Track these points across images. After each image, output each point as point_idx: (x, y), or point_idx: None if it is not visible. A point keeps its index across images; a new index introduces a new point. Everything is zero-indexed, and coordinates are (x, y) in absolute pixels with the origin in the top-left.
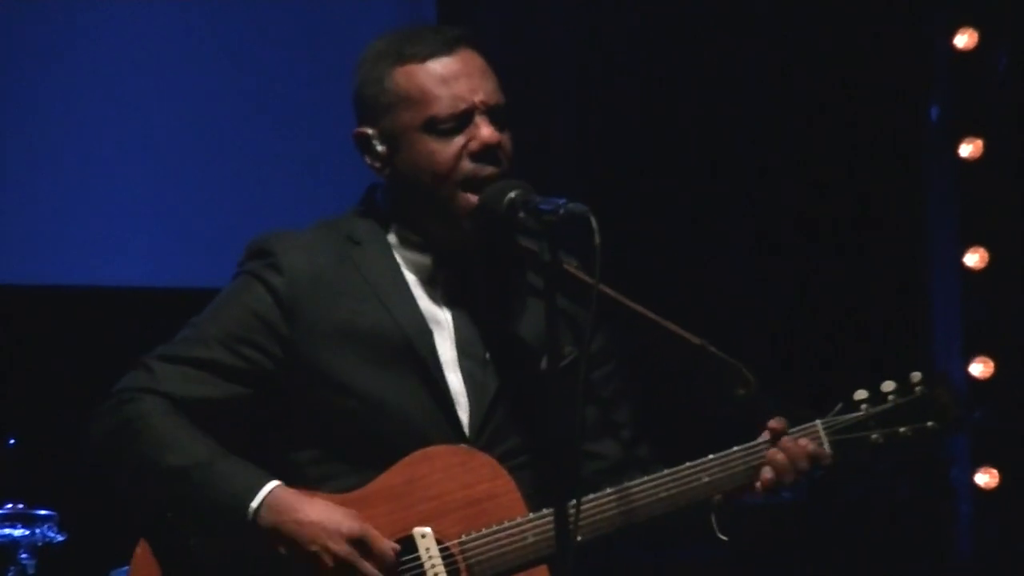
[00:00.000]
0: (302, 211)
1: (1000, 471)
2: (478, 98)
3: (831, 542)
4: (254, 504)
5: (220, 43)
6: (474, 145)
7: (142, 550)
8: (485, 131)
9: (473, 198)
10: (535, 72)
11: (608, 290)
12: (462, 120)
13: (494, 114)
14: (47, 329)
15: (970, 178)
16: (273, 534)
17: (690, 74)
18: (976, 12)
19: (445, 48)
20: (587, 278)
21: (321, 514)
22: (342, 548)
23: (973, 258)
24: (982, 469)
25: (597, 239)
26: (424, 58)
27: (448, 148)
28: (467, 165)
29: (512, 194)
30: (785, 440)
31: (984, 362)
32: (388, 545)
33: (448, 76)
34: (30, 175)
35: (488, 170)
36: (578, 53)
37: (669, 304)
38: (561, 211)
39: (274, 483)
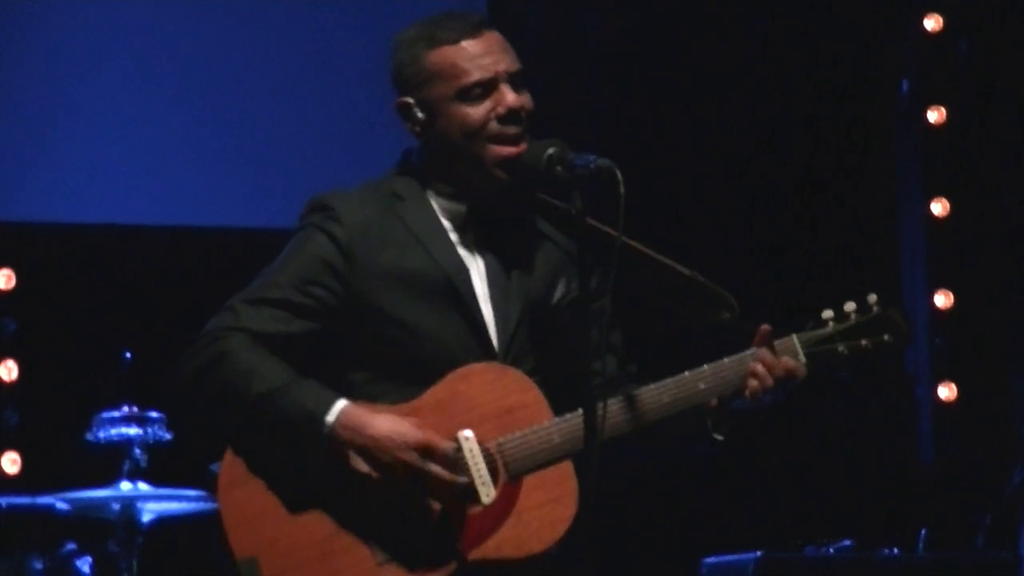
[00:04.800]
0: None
1: (958, 386)
2: (501, 68)
3: (810, 450)
4: (329, 419)
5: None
6: (500, 110)
7: (231, 455)
8: (509, 97)
9: (502, 149)
10: (569, 48)
11: (624, 237)
12: (488, 87)
13: (514, 79)
14: (150, 263)
15: (935, 140)
16: (349, 447)
17: (696, 56)
18: (942, 0)
19: (472, 31)
20: (601, 226)
21: (390, 428)
22: (410, 456)
23: (937, 207)
24: (943, 383)
25: (622, 189)
26: (455, 40)
27: (478, 111)
28: (494, 126)
29: (551, 151)
30: (766, 355)
31: (945, 294)
32: (448, 445)
33: (475, 54)
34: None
35: (512, 129)
36: (606, 38)
37: (678, 250)
38: (592, 165)
39: (344, 400)
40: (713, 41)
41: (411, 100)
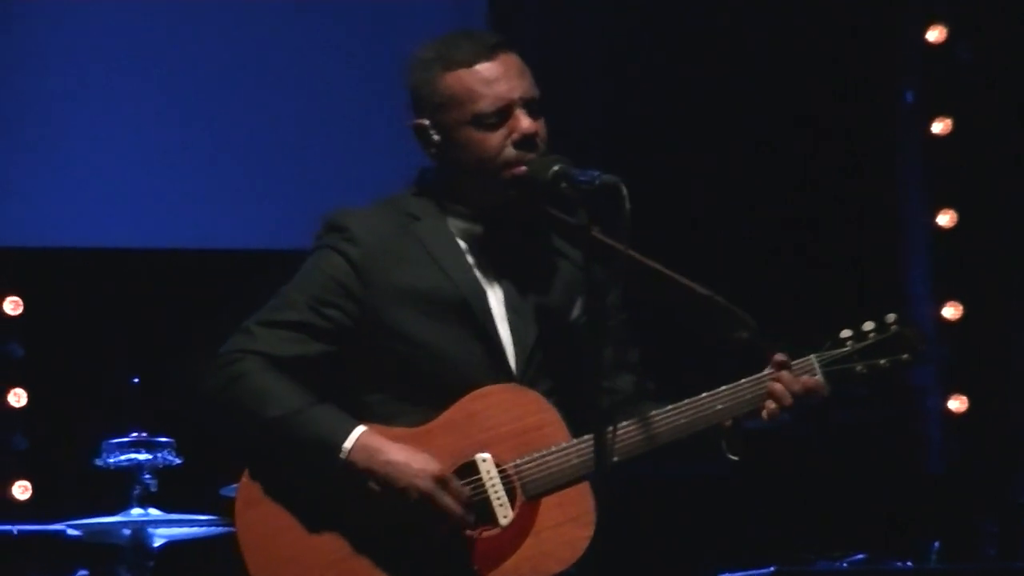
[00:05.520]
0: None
1: (968, 398)
2: (516, 95)
3: (819, 463)
4: (347, 444)
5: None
6: (515, 136)
7: (248, 476)
8: (525, 123)
9: (518, 170)
10: (569, 60)
11: (632, 252)
12: (503, 114)
13: (530, 106)
14: (158, 287)
15: (940, 151)
16: (366, 473)
17: (699, 67)
18: (944, 10)
19: (487, 54)
20: (610, 241)
21: (408, 456)
22: (427, 484)
23: (944, 218)
24: (953, 396)
25: (627, 204)
26: (470, 63)
27: (493, 138)
28: (510, 152)
29: (555, 167)
30: (784, 374)
31: (954, 306)
32: (462, 486)
33: (491, 78)
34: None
35: (528, 156)
36: (607, 45)
37: (686, 262)
38: (596, 182)
39: (362, 427)
40: (715, 54)
41: (426, 122)
